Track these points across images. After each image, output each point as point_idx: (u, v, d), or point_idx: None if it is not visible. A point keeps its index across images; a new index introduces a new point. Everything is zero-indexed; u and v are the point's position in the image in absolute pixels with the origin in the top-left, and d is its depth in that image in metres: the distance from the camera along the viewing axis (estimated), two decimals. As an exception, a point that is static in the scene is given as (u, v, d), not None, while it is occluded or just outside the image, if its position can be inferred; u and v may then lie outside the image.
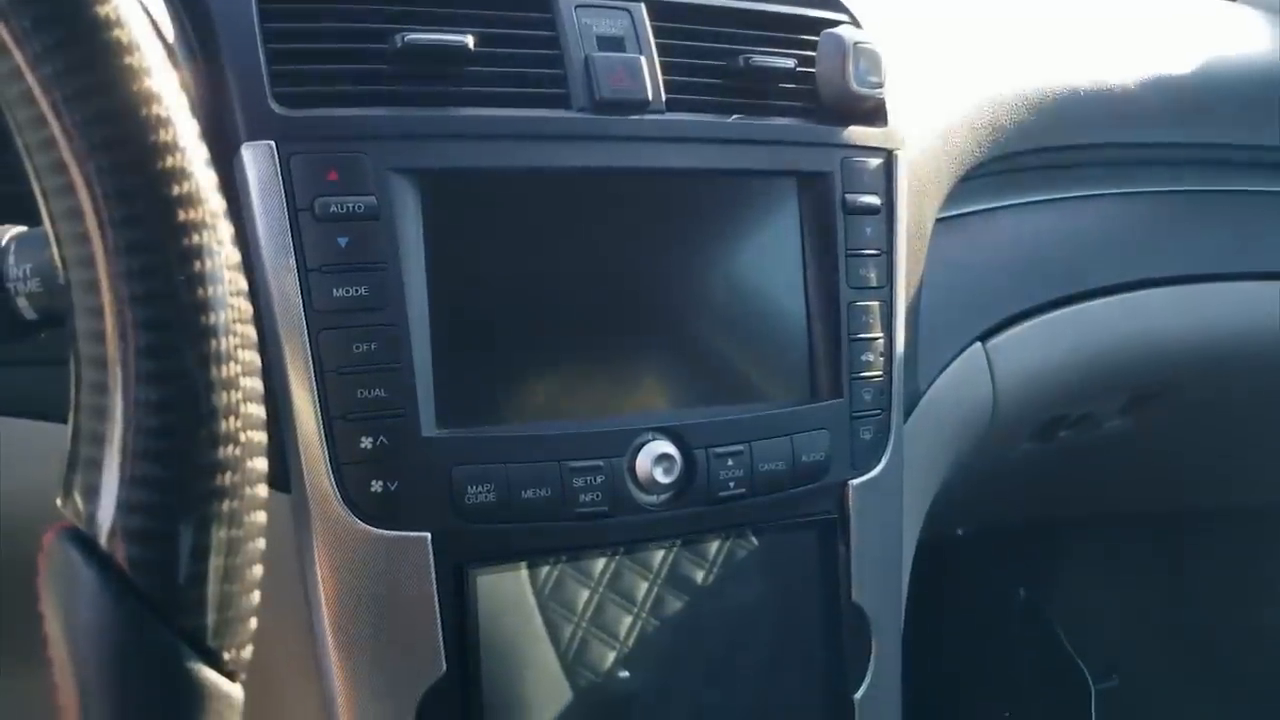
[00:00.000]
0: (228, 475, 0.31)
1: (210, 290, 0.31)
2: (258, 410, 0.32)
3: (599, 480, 0.64)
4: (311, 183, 0.60)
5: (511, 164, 0.65)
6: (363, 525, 0.60)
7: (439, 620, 0.62)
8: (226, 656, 0.32)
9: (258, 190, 0.59)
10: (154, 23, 0.53)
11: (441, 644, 0.62)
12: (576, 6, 0.68)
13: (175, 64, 0.34)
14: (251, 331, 0.32)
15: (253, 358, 0.32)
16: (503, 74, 0.65)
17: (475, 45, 0.63)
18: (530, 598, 0.65)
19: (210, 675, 0.31)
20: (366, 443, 0.60)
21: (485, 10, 0.66)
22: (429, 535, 0.61)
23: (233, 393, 0.31)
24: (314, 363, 0.60)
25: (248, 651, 0.32)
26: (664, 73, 0.69)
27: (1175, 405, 1.04)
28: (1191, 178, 1.02)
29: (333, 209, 0.60)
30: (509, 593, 0.64)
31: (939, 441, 0.83)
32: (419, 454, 0.61)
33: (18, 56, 0.29)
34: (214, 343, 0.31)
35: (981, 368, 0.85)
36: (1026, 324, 0.88)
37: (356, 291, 0.60)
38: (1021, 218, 0.93)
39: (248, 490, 0.32)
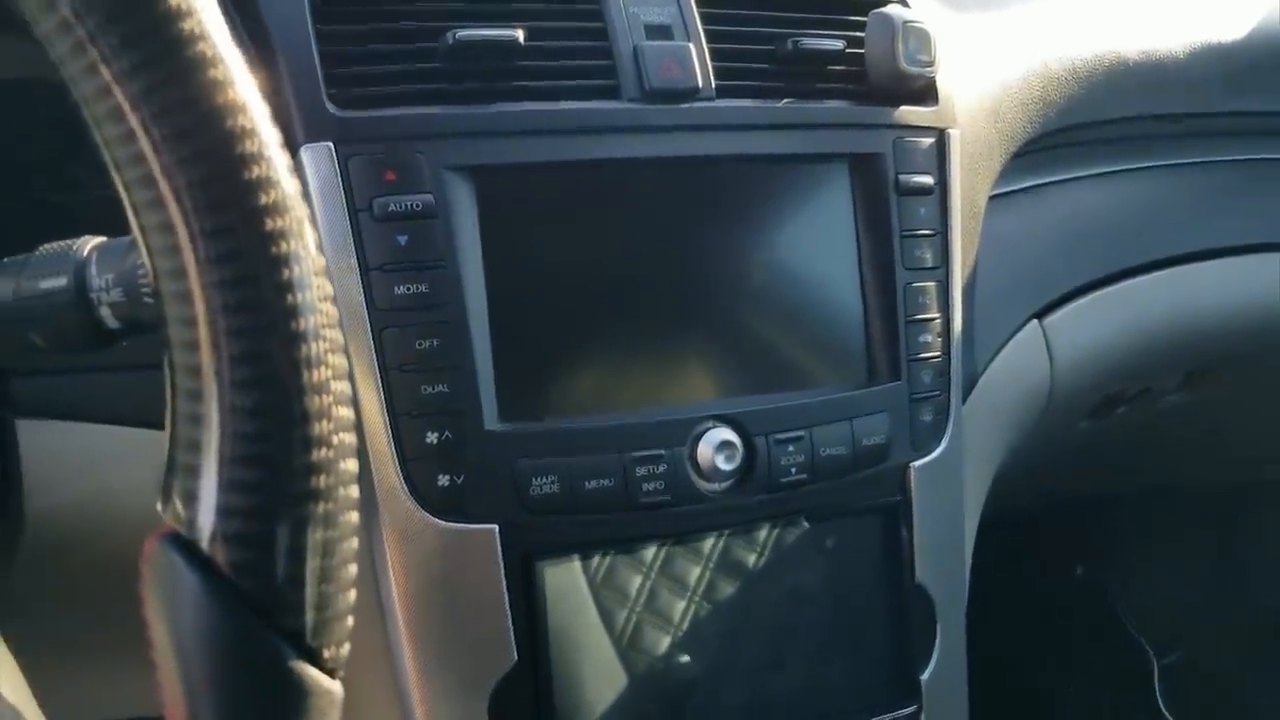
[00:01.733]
0: (322, 478, 0.31)
1: (300, 296, 0.31)
2: (348, 413, 0.32)
3: (661, 469, 0.64)
4: (370, 183, 0.60)
5: (564, 157, 0.65)
6: (432, 519, 0.61)
7: (508, 611, 0.62)
8: (326, 654, 0.32)
9: (318, 192, 0.60)
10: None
11: (512, 634, 0.62)
12: (624, -4, 0.68)
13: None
14: (339, 335, 0.32)
15: (341, 361, 0.32)
16: (553, 67, 0.65)
17: (525, 39, 0.64)
18: (597, 587, 0.65)
19: (312, 673, 0.32)
20: (432, 438, 0.61)
21: (534, 4, 0.66)
22: (496, 527, 0.62)
23: (324, 396, 0.31)
24: (378, 360, 0.60)
25: (345, 649, 0.33)
26: (713, 59, 0.69)
27: (1233, 379, 1.03)
28: (1243, 146, 1.01)
29: (391, 208, 0.61)
30: (576, 583, 0.64)
31: (998, 421, 0.82)
32: (483, 447, 0.61)
33: (105, 74, 0.30)
34: (305, 348, 0.31)
35: (1038, 346, 0.85)
36: (1081, 300, 0.87)
37: (417, 289, 0.61)
38: (1073, 193, 0.92)
39: (341, 491, 0.32)
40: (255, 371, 0.31)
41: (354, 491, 0.33)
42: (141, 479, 0.64)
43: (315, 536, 0.32)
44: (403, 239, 0.61)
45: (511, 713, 0.63)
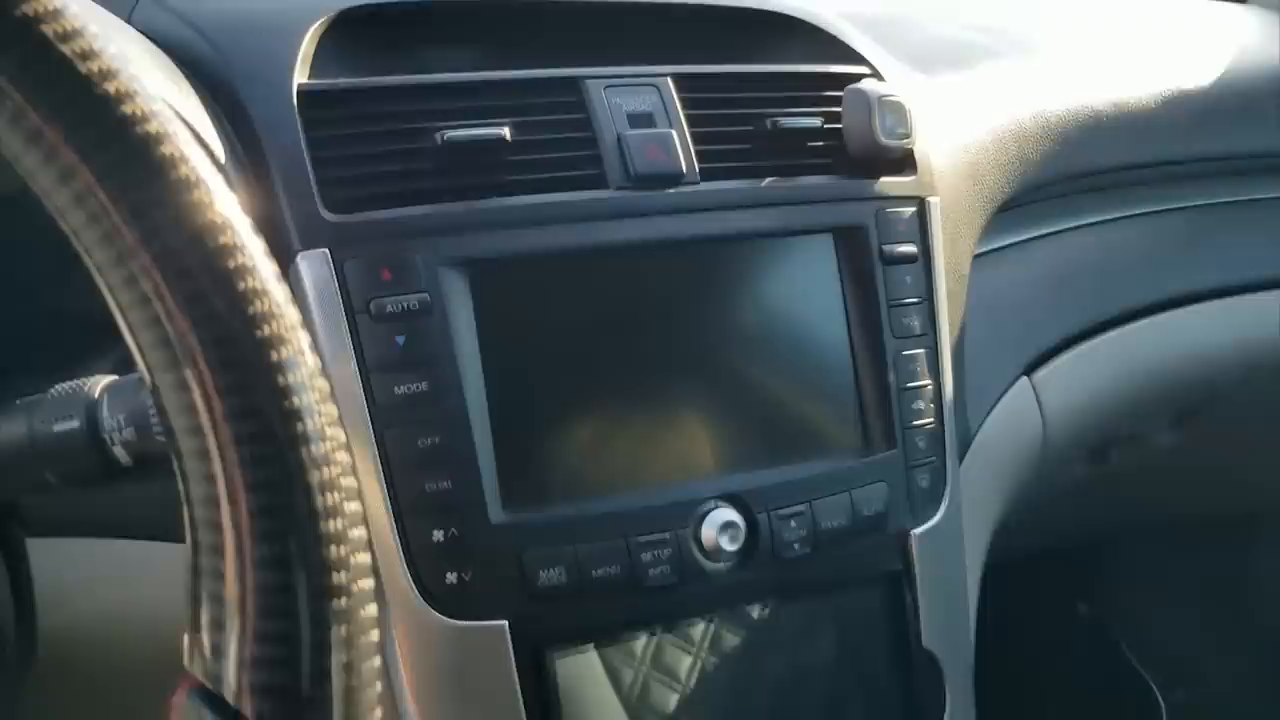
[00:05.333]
0: (345, 627, 0.32)
1: (314, 450, 0.32)
2: (366, 559, 0.33)
3: (666, 553, 0.65)
4: (366, 285, 0.61)
5: (555, 245, 0.66)
6: (441, 618, 0.61)
7: (521, 706, 0.62)
8: None
9: (315, 297, 0.61)
10: (199, 135, 0.55)
11: (526, 728, 0.63)
12: (606, 87, 0.69)
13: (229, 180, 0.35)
14: (355, 483, 0.33)
15: (357, 507, 0.33)
16: (540, 160, 0.67)
17: (512, 135, 0.65)
18: (608, 674, 0.65)
19: None
20: (438, 534, 0.61)
21: (519, 100, 0.67)
22: (507, 623, 0.62)
23: (344, 547, 0.32)
24: (381, 460, 0.61)
25: None
26: (695, 143, 0.70)
27: (1223, 415, 1.04)
28: (1220, 189, 1.03)
29: (389, 308, 0.61)
30: (588, 671, 0.65)
31: (994, 479, 0.83)
32: (489, 541, 0.62)
33: (108, 224, 0.30)
34: (323, 498, 0.32)
35: (1029, 401, 0.86)
36: (1069, 353, 0.88)
37: (417, 387, 0.62)
38: (1055, 246, 0.93)
39: (363, 639, 0.33)
40: (276, 524, 0.31)
41: (375, 636, 0.33)
42: (152, 592, 0.64)
43: (340, 683, 0.32)
44: (400, 338, 0.62)
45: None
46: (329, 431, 0.33)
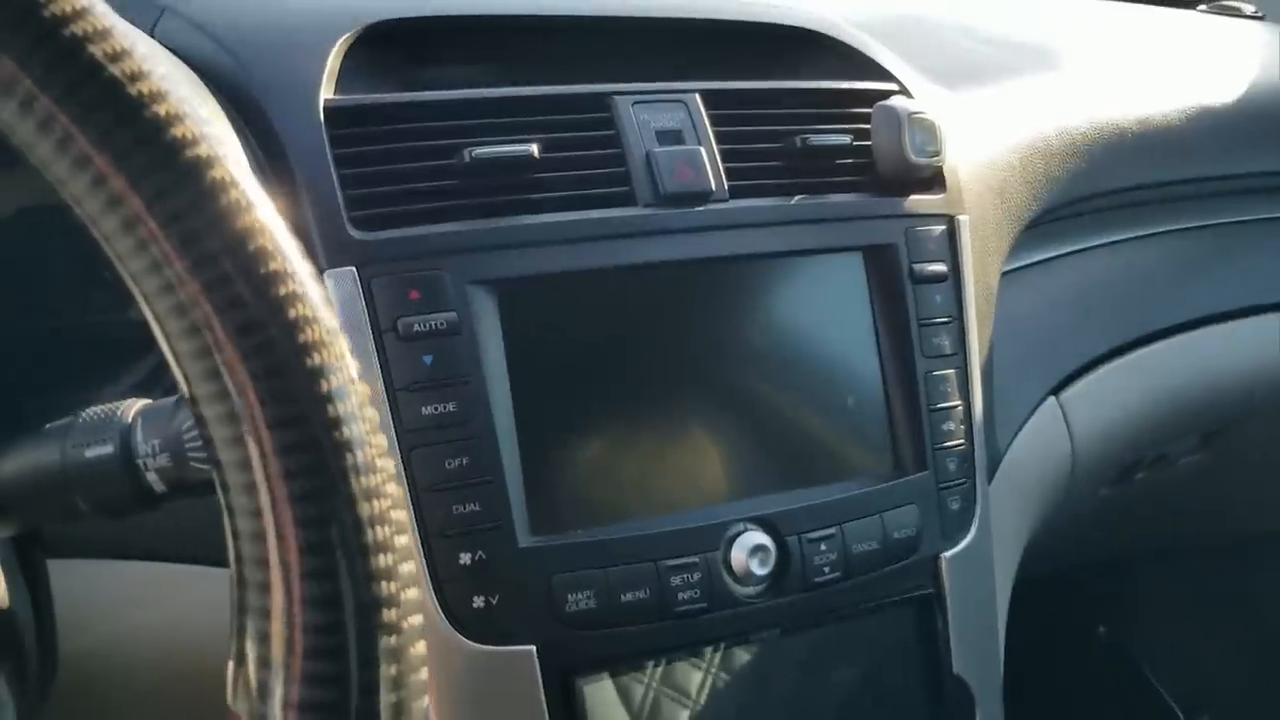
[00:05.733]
0: (394, 666, 0.31)
1: (364, 481, 0.31)
2: (417, 595, 0.32)
3: (696, 578, 0.64)
4: (394, 304, 0.60)
5: (583, 265, 0.65)
6: (468, 643, 0.60)
7: (549, 730, 0.61)
8: None
9: (342, 316, 0.59)
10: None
11: (554, 754, 0.62)
12: (634, 104, 0.68)
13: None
14: (403, 515, 0.32)
15: (406, 542, 0.32)
16: (568, 178, 0.66)
17: (540, 153, 0.64)
18: (637, 700, 0.64)
19: None
20: (465, 558, 0.60)
21: (547, 117, 0.66)
22: (534, 648, 0.61)
23: (393, 583, 0.31)
24: (409, 482, 0.60)
25: None
26: (724, 160, 0.69)
27: (1248, 435, 1.03)
28: (1247, 207, 1.02)
29: (416, 328, 0.61)
30: (616, 697, 0.64)
31: (1023, 500, 0.82)
32: (517, 565, 0.61)
33: (154, 254, 0.29)
34: (370, 534, 0.31)
35: (1058, 422, 0.85)
36: (1096, 373, 0.88)
37: (445, 408, 0.61)
38: (1082, 264, 0.93)
39: (413, 678, 0.32)
40: (326, 562, 0.30)
41: (424, 674, 0.32)
42: (173, 615, 0.64)
43: None
44: (428, 359, 0.61)
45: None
46: (379, 464, 0.32)
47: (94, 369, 0.62)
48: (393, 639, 0.31)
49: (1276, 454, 1.09)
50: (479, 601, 0.60)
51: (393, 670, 0.31)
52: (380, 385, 0.60)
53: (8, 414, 0.46)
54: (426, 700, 0.33)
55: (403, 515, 0.32)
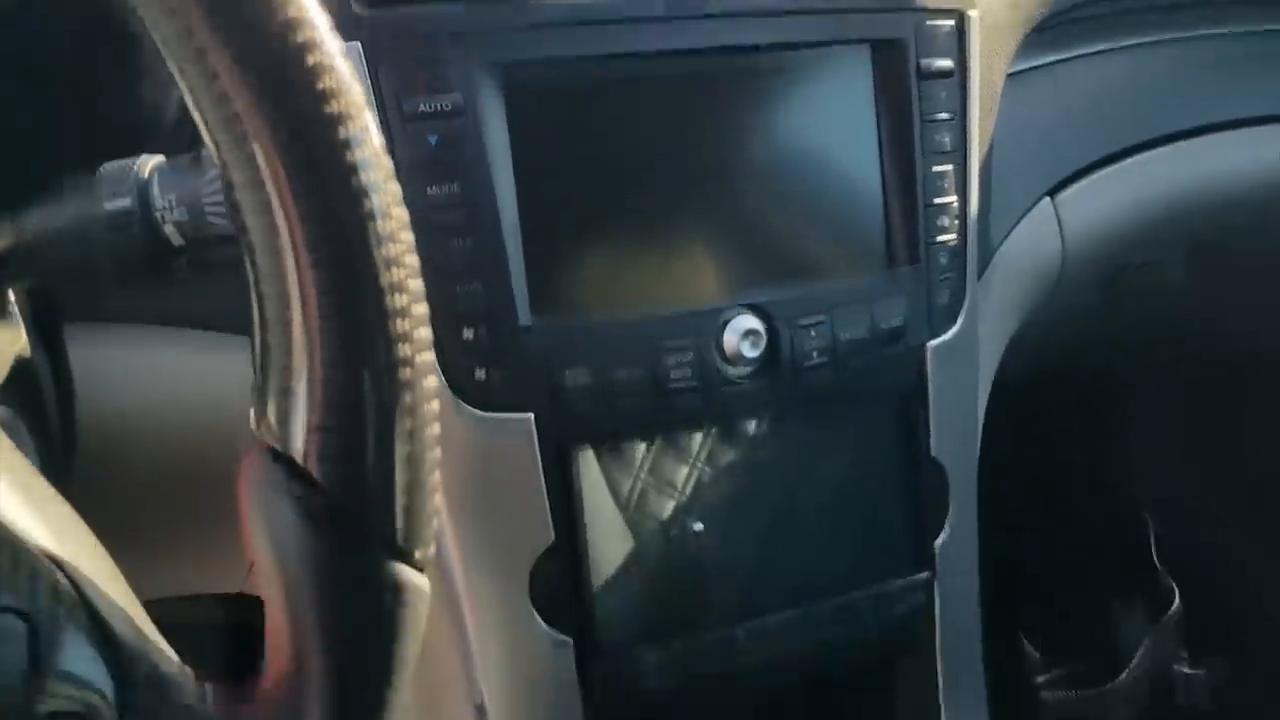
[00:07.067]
0: (406, 395, 0.34)
1: (380, 227, 0.33)
2: (426, 333, 0.34)
3: (689, 358, 0.67)
4: (399, 83, 0.61)
5: (591, 50, 0.65)
6: (469, 409, 0.63)
7: (545, 495, 0.65)
8: (417, 555, 0.35)
9: (348, 92, 0.60)
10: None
11: (549, 516, 0.66)
12: (645, -111, 0.67)
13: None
14: (415, 260, 0.34)
15: (418, 286, 0.34)
16: (577, -40, 0.65)
17: None
18: (629, 471, 0.68)
19: (405, 572, 0.35)
20: (468, 334, 0.63)
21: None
22: (532, 416, 0.64)
23: (406, 321, 0.33)
24: (414, 259, 0.62)
25: (432, 549, 0.36)
26: (733, -55, 0.68)
27: (1241, 250, 1.04)
28: (1256, 16, 1.00)
29: (421, 108, 0.61)
30: (609, 467, 0.68)
31: (1010, 298, 0.84)
32: (518, 342, 0.64)
33: (195, 29, 0.31)
34: (386, 276, 0.33)
35: (1051, 222, 0.86)
36: (1093, 176, 0.88)
37: (449, 189, 0.62)
38: (1087, 69, 0.92)
39: (425, 407, 0.34)
40: (343, 301, 0.33)
41: (435, 405, 0.35)
42: (191, 379, 0.66)
43: (403, 450, 0.34)
44: (433, 139, 0.62)
45: (549, 588, 0.67)
46: (395, 212, 0.34)
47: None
48: (408, 371, 0.34)
49: (1268, 270, 1.11)
50: (480, 374, 0.63)
51: (409, 399, 0.34)
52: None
53: (27, 185, 0.47)
54: (437, 429, 0.35)
55: (415, 262, 0.34)
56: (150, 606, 0.37)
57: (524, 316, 0.64)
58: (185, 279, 0.46)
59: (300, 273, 0.32)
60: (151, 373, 0.66)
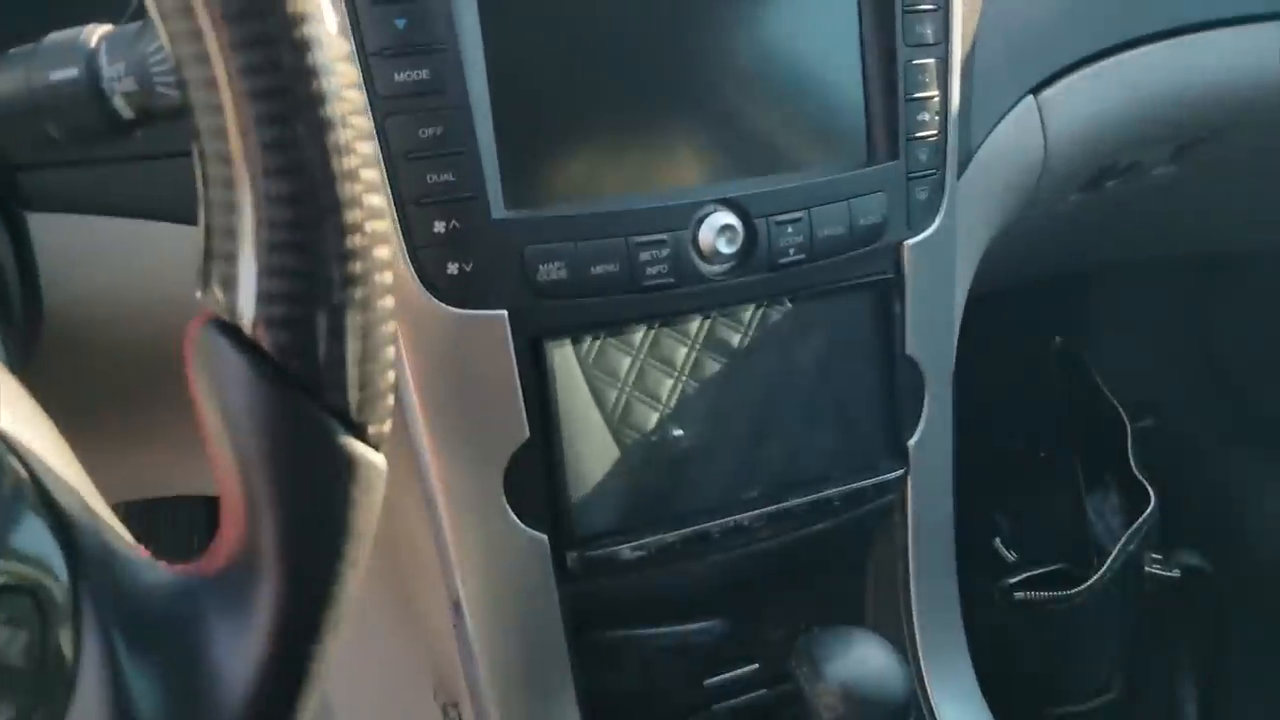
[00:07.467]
0: (357, 263, 0.33)
1: (325, 82, 0.32)
2: (378, 200, 0.33)
3: (664, 253, 0.66)
4: (365, -37, 0.59)
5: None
6: (443, 306, 0.62)
7: (519, 391, 0.65)
8: (371, 430, 0.34)
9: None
10: None
11: (524, 413, 0.65)
12: None
13: None
14: (365, 123, 0.33)
15: (368, 148, 0.33)
16: None
17: None
18: (605, 366, 0.68)
19: (359, 447, 0.34)
20: (440, 226, 0.62)
21: None
22: (506, 312, 0.63)
23: (355, 184, 0.32)
24: (383, 149, 0.61)
25: (388, 426, 0.35)
26: None
27: (1222, 150, 1.03)
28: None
29: None
30: (584, 363, 0.67)
31: (991, 197, 0.83)
32: (491, 235, 0.63)
33: None
34: (333, 134, 0.32)
35: (1033, 120, 0.85)
36: (1077, 74, 0.87)
37: (419, 75, 0.60)
38: (1073, -37, 0.90)
39: (376, 277, 0.33)
40: (287, 159, 0.31)
41: (388, 277, 0.34)
42: (156, 269, 0.65)
43: (354, 320, 0.33)
44: (401, 22, 0.60)
45: (524, 484, 0.67)
46: (339, 68, 0.32)
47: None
48: (357, 238, 0.33)
49: (1248, 169, 1.10)
50: (453, 268, 0.62)
51: (358, 267, 0.33)
52: (351, 49, 0.59)
53: None
54: (391, 301, 0.34)
55: (365, 122, 0.33)
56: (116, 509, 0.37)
57: (497, 209, 0.63)
58: (142, 156, 0.44)
59: (245, 137, 0.31)
60: (115, 263, 0.64)
